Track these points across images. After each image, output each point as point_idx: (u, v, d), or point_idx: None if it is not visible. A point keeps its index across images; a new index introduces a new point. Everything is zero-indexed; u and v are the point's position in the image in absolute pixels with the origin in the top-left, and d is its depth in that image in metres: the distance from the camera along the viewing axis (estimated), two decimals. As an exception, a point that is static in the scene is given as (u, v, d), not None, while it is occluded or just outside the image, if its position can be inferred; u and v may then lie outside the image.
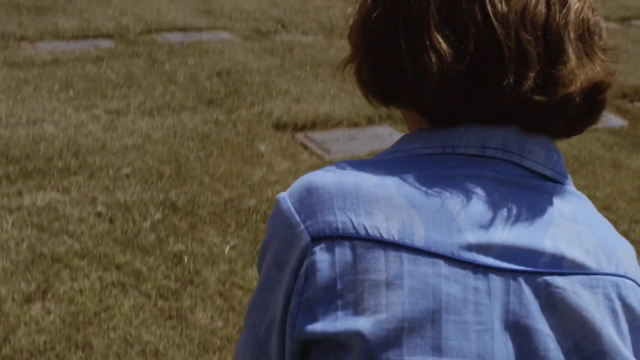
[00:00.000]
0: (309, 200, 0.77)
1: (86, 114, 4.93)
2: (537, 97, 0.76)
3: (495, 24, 0.75)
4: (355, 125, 5.15)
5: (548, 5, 0.77)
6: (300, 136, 4.93)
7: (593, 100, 0.80)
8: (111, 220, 3.61)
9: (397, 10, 0.79)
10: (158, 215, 3.69)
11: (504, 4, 0.76)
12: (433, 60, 0.75)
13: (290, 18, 7.90)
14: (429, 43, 0.76)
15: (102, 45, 6.48)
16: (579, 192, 0.85)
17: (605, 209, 4.25)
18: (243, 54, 6.50)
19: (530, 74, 0.75)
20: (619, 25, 8.96)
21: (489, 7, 0.75)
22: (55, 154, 4.29)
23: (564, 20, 0.77)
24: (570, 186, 0.84)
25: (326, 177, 0.78)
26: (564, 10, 0.77)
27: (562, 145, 5.00)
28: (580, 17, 0.78)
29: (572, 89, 0.76)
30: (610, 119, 5.70)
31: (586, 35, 0.79)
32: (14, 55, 5.93)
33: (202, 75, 5.84)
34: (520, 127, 0.80)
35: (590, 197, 4.42)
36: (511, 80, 0.75)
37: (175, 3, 8.13)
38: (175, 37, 6.90)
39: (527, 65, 0.75)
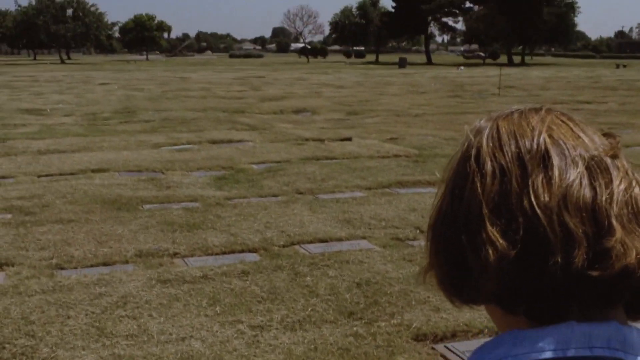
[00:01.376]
0: None
1: (231, 329, 5.11)
2: (592, 273, 0.83)
3: (539, 212, 0.84)
4: (497, 333, 5.04)
5: (593, 188, 0.86)
6: (440, 347, 4.88)
7: None
8: None
9: (456, 214, 0.90)
10: None
11: (546, 194, 0.85)
12: (490, 251, 0.85)
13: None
14: (485, 237, 0.85)
15: (248, 259, 6.80)
16: None
17: None
18: (382, 262, 6.63)
19: (578, 252, 0.83)
20: None
21: (533, 199, 0.85)
22: (202, 372, 4.43)
23: (609, 199, 0.85)
24: None
25: None
26: (609, 190, 0.86)
27: None
28: (629, 194, 0.87)
29: (627, 260, 0.82)
30: None
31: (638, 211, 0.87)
32: (167, 272, 6.31)
33: (342, 286, 5.98)
34: (595, 307, 0.87)
35: None
36: (559, 259, 0.83)
37: (316, 214, 8.49)
38: (316, 248, 7.16)
39: (573, 244, 0.83)
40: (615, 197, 0.86)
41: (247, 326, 5.17)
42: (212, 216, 8.38)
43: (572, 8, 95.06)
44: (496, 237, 0.85)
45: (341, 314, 5.41)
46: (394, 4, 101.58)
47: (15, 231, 7.66)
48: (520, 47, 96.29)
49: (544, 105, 0.99)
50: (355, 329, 5.14)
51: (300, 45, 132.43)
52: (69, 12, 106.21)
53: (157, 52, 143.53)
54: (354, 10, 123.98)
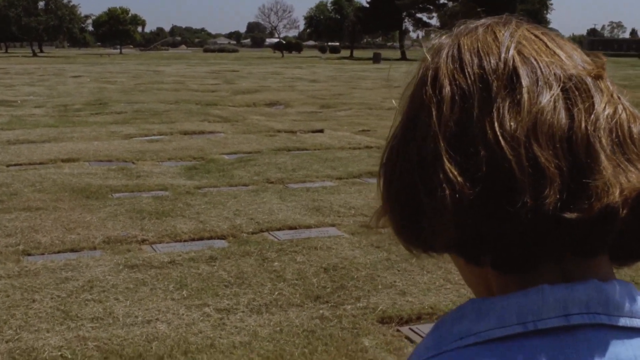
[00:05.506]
0: None
1: (197, 312, 5.12)
2: (567, 215, 0.70)
3: (504, 144, 0.71)
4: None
5: (570, 114, 0.73)
6: (405, 329, 4.92)
7: None
8: (216, 419, 3.65)
9: (409, 149, 0.77)
10: (261, 414, 3.71)
11: (512, 122, 0.72)
12: (447, 191, 0.71)
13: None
14: (441, 175, 0.72)
15: (216, 246, 6.81)
16: None
17: None
18: (350, 248, 6.66)
19: (550, 191, 0.69)
20: None
21: (497, 128, 0.72)
22: (166, 353, 4.45)
23: (592, 127, 0.72)
24: None
25: None
26: (592, 117, 0.73)
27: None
28: (614, 121, 0.74)
29: (609, 199, 0.69)
30: None
31: (628, 141, 0.74)
32: (135, 258, 6.30)
33: (309, 271, 6.01)
34: (574, 255, 0.74)
35: None
36: (527, 199, 0.69)
37: (286, 202, 8.51)
38: (285, 235, 7.18)
39: (543, 181, 0.70)
40: (600, 124, 0.73)
41: (213, 309, 5.18)
42: (181, 204, 8.37)
43: (544, 5, 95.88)
44: (454, 174, 0.72)
45: (308, 297, 5.44)
46: (368, 0, 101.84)
47: (-18, 218, 7.60)
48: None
49: (514, 16, 0.85)
50: (321, 312, 5.17)
51: (275, 40, 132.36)
52: (41, 4, 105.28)
53: (131, 46, 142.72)
54: (329, 5, 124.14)
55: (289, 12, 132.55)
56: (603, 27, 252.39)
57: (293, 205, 8.40)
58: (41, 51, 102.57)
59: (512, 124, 0.71)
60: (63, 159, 11.33)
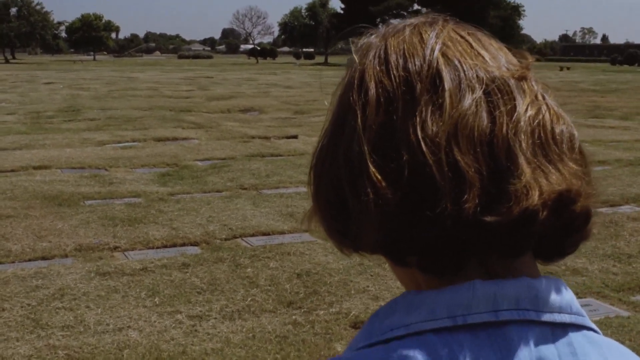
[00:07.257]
0: None
1: (170, 319, 5.10)
2: (487, 218, 0.70)
3: (424, 148, 0.71)
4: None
5: (492, 117, 0.73)
6: (378, 335, 4.94)
7: (567, 212, 0.73)
8: None
9: (337, 153, 0.77)
10: (233, 420, 3.70)
11: (434, 125, 0.72)
12: (371, 195, 0.72)
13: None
14: (366, 180, 0.73)
15: (189, 252, 6.79)
16: (601, 337, 0.78)
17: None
18: (323, 254, 6.67)
19: (469, 196, 0.70)
20: None
21: (419, 131, 0.72)
22: (138, 361, 4.42)
23: (513, 130, 0.72)
24: (588, 325, 0.77)
25: None
26: (513, 120, 0.73)
27: None
28: (537, 122, 0.74)
29: (528, 202, 0.70)
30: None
31: (550, 142, 0.74)
32: (106, 266, 6.26)
33: (282, 277, 6.01)
34: (497, 256, 0.74)
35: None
36: (448, 204, 0.70)
37: (259, 208, 8.50)
38: (258, 241, 7.17)
39: (463, 186, 0.70)
40: (521, 126, 0.73)
41: (185, 316, 5.17)
42: (154, 211, 8.33)
43: (517, 11, 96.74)
44: (378, 178, 0.72)
45: (280, 303, 5.44)
46: (343, 6, 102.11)
47: (-49, 227, 7.51)
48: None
49: (442, 15, 0.84)
50: (294, 317, 5.17)
51: (250, 46, 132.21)
52: (13, 10, 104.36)
53: (105, 53, 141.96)
54: (303, 11, 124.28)
55: (264, 18, 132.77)
56: (575, 33, 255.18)
57: (266, 211, 8.40)
58: (13, 58, 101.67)
59: (433, 128, 0.72)
60: (35, 166, 11.23)
